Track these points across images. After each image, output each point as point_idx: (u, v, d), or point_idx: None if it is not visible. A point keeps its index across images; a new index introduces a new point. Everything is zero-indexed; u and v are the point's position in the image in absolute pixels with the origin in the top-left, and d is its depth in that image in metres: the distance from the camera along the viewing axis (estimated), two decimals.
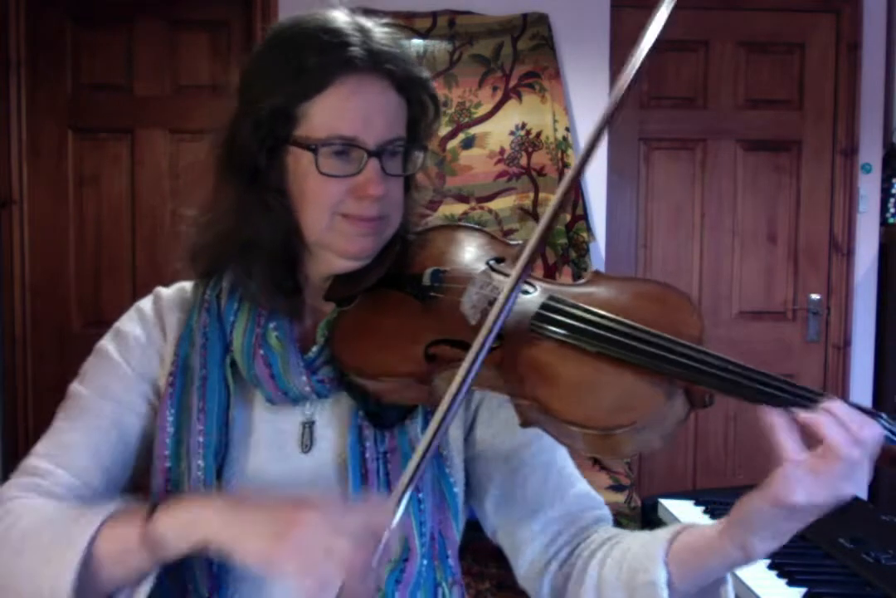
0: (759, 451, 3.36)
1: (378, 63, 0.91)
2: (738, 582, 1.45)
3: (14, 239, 3.18)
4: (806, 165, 3.39)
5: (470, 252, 0.96)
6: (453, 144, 3.18)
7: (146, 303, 1.02)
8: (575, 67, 3.22)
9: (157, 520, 0.80)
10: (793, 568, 1.48)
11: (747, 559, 0.78)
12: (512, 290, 0.79)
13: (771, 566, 1.51)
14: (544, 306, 0.85)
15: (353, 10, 0.95)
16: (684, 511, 1.83)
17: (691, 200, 3.40)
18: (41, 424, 3.01)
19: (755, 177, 3.40)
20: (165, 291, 1.03)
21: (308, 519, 0.76)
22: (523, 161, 3.18)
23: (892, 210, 3.37)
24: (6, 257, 3.18)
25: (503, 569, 2.75)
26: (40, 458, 0.93)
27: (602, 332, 0.81)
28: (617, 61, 3.27)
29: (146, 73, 3.23)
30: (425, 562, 0.92)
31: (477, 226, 1.03)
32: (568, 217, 3.17)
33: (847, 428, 0.72)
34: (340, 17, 0.93)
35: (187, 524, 0.80)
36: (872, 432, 0.72)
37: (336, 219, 0.92)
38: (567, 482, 0.97)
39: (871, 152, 3.36)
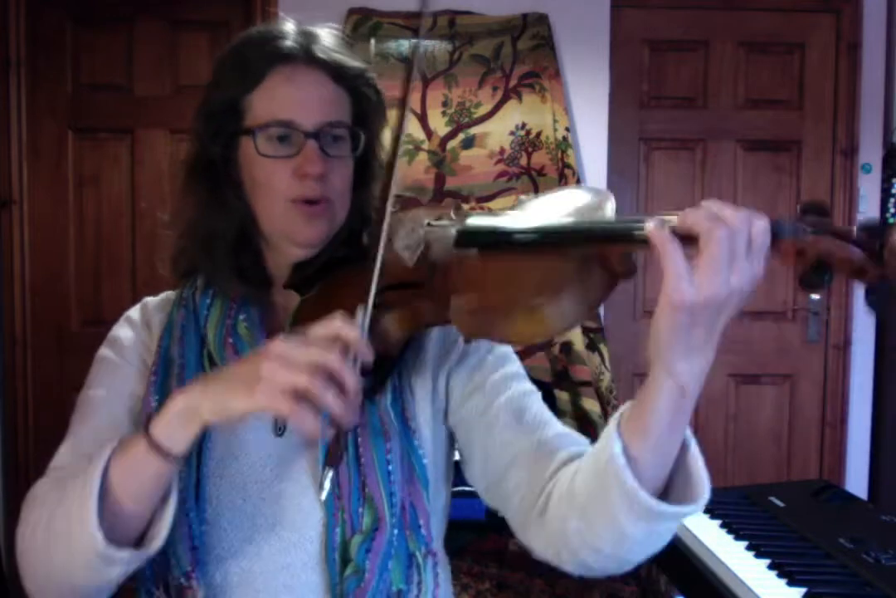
0: (758, 450, 3.37)
1: (311, 55, 0.98)
2: (738, 582, 1.45)
3: (14, 239, 3.18)
4: (806, 165, 3.39)
5: (412, 219, 1.03)
6: (453, 144, 3.18)
7: (134, 311, 1.10)
8: (575, 67, 3.22)
9: (153, 424, 0.85)
10: (793, 568, 1.48)
11: (679, 386, 0.77)
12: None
13: (771, 566, 1.51)
14: (464, 226, 0.94)
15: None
16: None
17: (691, 200, 3.36)
18: (41, 422, 3.03)
19: (755, 177, 3.40)
20: (152, 299, 1.11)
21: (271, 353, 0.80)
22: (523, 161, 3.18)
23: (892, 210, 3.37)
24: (6, 257, 3.18)
25: (503, 569, 2.76)
26: (61, 457, 0.99)
27: (513, 232, 0.89)
28: (617, 61, 3.28)
29: (146, 73, 3.22)
30: (396, 532, 0.95)
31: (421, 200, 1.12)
32: None
33: (713, 215, 0.73)
34: (286, 24, 1.01)
35: (176, 412, 0.84)
36: (745, 217, 0.73)
37: (286, 206, 0.98)
38: (542, 426, 0.98)
39: (871, 152, 3.36)
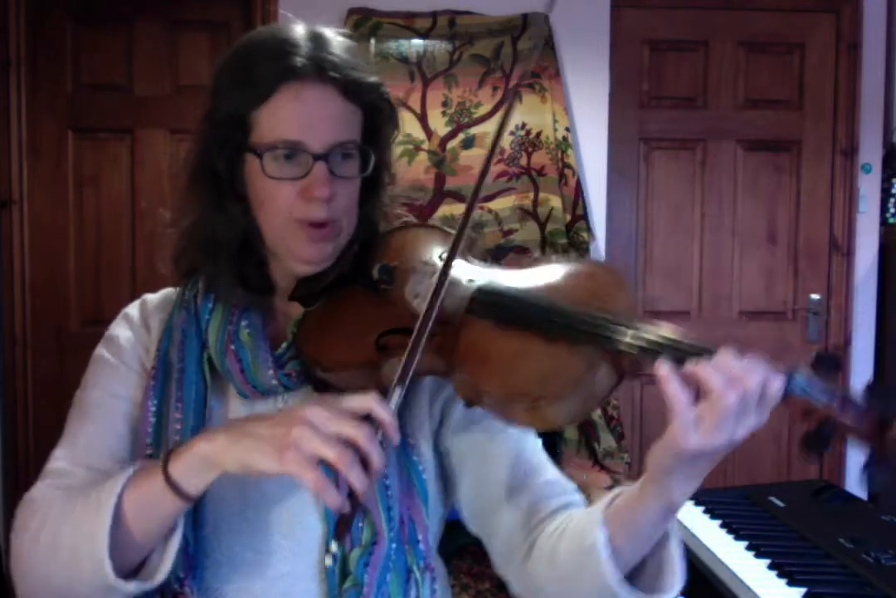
0: (758, 450, 3.36)
1: (322, 70, 0.93)
2: (738, 582, 1.45)
3: (14, 239, 3.18)
4: (806, 165, 3.39)
5: (424, 247, 1.02)
6: (453, 144, 3.18)
7: (133, 308, 1.08)
8: (575, 67, 3.22)
9: (172, 463, 0.85)
10: (793, 568, 1.48)
11: (671, 505, 0.82)
12: (442, 278, 0.89)
13: (771, 566, 1.51)
14: (479, 292, 0.92)
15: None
16: (684, 511, 1.82)
17: (691, 200, 3.40)
18: (41, 422, 3.03)
19: (755, 177, 3.40)
20: (151, 297, 1.09)
21: (304, 418, 0.80)
22: (523, 161, 3.18)
23: (892, 210, 3.37)
24: (6, 257, 3.18)
25: None
26: (58, 460, 0.98)
27: (527, 312, 0.88)
28: (617, 61, 3.28)
29: (146, 73, 3.23)
30: (394, 545, 0.95)
31: (436, 224, 1.09)
32: (568, 217, 3.17)
33: (729, 376, 0.75)
34: (295, 29, 0.97)
35: (198, 458, 0.85)
36: (761, 380, 0.75)
37: (291, 225, 0.96)
38: (535, 472, 0.99)
39: (871, 152, 3.36)
